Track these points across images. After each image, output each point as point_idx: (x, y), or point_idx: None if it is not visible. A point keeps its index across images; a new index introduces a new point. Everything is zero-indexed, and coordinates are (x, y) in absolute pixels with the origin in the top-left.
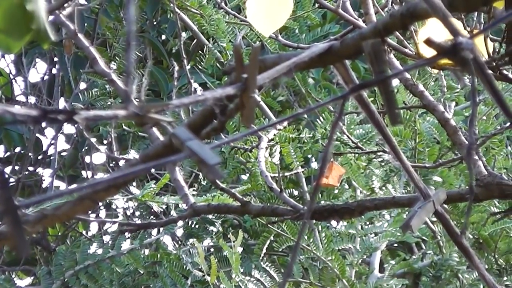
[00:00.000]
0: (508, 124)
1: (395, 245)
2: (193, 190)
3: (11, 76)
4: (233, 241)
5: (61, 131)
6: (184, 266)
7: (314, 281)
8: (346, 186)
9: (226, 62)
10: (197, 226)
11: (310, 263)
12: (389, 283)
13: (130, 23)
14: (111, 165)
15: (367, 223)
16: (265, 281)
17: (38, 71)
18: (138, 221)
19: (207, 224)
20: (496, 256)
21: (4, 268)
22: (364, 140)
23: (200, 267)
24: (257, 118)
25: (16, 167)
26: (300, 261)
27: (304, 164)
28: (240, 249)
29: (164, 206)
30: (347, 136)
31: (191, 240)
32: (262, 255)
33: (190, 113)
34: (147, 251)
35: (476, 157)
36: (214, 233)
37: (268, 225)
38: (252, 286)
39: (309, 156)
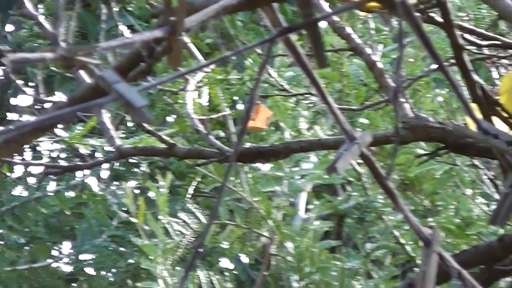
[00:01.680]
0: (435, 66)
1: (320, 187)
2: (120, 132)
3: None
4: (161, 182)
5: None
6: (110, 207)
7: (240, 223)
8: (274, 129)
9: (155, 4)
10: (123, 168)
11: (236, 204)
12: (314, 224)
13: None
14: (37, 107)
15: (295, 165)
16: (191, 223)
17: None
18: (64, 164)
19: (132, 166)
20: (421, 198)
21: None
22: (294, 83)
23: (125, 209)
24: (185, 60)
25: None
26: (226, 203)
27: (231, 106)
28: (165, 191)
29: (90, 149)
30: (274, 78)
31: (116, 182)
32: (189, 196)
33: (117, 56)
34: (72, 193)
35: (403, 100)
36: (139, 174)
37: (195, 166)
38: (178, 227)
39: (237, 98)
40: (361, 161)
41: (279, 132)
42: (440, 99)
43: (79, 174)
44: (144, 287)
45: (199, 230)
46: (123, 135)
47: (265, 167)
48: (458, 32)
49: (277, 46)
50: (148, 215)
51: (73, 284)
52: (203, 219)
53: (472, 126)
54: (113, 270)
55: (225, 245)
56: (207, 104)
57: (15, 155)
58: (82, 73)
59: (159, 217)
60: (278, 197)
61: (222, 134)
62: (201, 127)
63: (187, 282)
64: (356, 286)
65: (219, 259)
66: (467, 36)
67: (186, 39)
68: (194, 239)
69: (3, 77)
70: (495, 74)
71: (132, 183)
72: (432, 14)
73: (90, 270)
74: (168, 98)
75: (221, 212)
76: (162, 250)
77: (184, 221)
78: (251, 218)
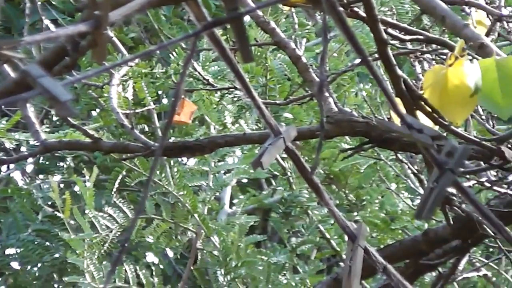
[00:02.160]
0: (358, 61)
1: (245, 181)
2: (45, 127)
3: None
4: (88, 176)
5: None
6: (35, 202)
7: (166, 217)
8: (199, 124)
9: None
10: (48, 162)
11: (162, 199)
12: (240, 219)
13: None
14: None
15: (220, 160)
16: (118, 217)
17: None
18: None
19: (58, 160)
20: (347, 192)
21: None
22: (220, 77)
23: (51, 203)
24: (109, 54)
25: None
26: (152, 197)
27: (156, 100)
28: (91, 185)
29: (15, 143)
30: (199, 72)
31: (41, 176)
32: (114, 190)
33: (42, 50)
34: None
35: (327, 94)
36: (65, 168)
37: (120, 161)
38: (105, 222)
39: (161, 92)
40: (286, 155)
41: (204, 127)
42: (364, 93)
43: (4, 168)
44: (71, 281)
45: (125, 225)
46: (48, 129)
47: (191, 162)
48: (381, 27)
49: (202, 41)
50: (74, 209)
51: None
52: (129, 213)
53: (397, 121)
54: (39, 265)
55: (151, 239)
56: (132, 98)
57: None
58: (6, 67)
59: (86, 211)
60: (204, 191)
61: (147, 128)
62: (126, 121)
63: (114, 276)
64: (282, 281)
65: (146, 254)
66: (390, 30)
67: (111, 33)
68: (120, 233)
69: None
70: (418, 69)
71: (57, 177)
72: (356, 9)
73: (15, 265)
74: (92, 92)
75: (148, 207)
76: (88, 245)
77: (111, 216)
78: (177, 212)
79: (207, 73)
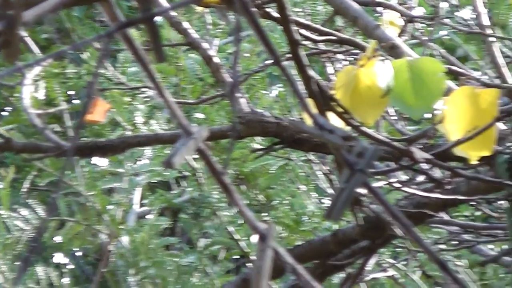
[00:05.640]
0: (270, 61)
1: (155, 181)
2: None
3: None
4: (4, 176)
5: None
6: None
7: (79, 219)
8: (112, 125)
9: None
10: None
11: (73, 199)
12: (150, 219)
13: None
14: None
15: (135, 161)
16: (31, 218)
17: None
18: None
19: None
20: (257, 193)
21: None
22: (137, 79)
23: None
24: (22, 54)
25: None
26: (65, 198)
27: (68, 100)
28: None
29: None
30: (112, 72)
31: None
32: (24, 190)
33: None
34: None
35: (239, 95)
36: None
37: (31, 160)
38: (19, 222)
39: (73, 92)
40: (196, 155)
41: (118, 128)
42: (275, 94)
43: None
44: None
45: (39, 226)
46: None
47: (105, 163)
48: (294, 28)
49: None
50: None
51: None
52: (42, 214)
53: (308, 121)
54: None
55: (62, 240)
56: (44, 98)
57: None
58: None
59: (1, 211)
60: (118, 193)
61: (58, 128)
62: (37, 121)
63: (26, 277)
64: (192, 281)
65: (55, 255)
66: (303, 31)
67: (23, 33)
68: (33, 234)
69: None
70: (330, 69)
71: None
72: (268, 10)
73: None
74: (4, 92)
75: (61, 208)
76: (1, 245)
77: (23, 216)
78: (88, 213)
79: (126, 74)
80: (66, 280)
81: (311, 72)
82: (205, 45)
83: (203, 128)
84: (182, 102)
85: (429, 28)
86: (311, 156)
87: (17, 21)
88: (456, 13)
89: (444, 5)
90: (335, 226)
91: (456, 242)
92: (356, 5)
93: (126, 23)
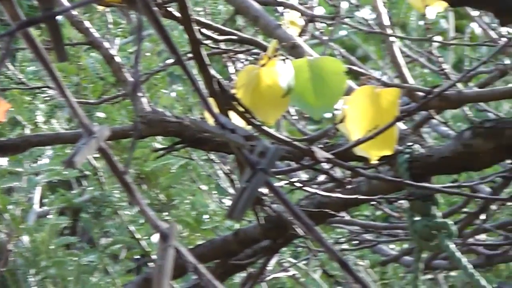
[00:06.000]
0: (171, 60)
1: (55, 180)
2: None
3: None
4: None
5: None
6: None
7: None
8: (12, 123)
9: None
10: None
11: None
12: (50, 219)
13: None
14: None
15: (35, 160)
16: None
17: None
18: None
19: None
20: (157, 192)
21: None
22: (36, 78)
23: None
24: None
25: None
26: None
27: None
28: None
29: None
30: (12, 72)
31: None
32: None
33: None
34: None
35: (140, 94)
36: None
37: None
38: None
39: None
40: (98, 155)
41: (18, 127)
42: (176, 93)
43: None
44: None
45: None
46: None
47: (3, 162)
48: (195, 27)
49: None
50: None
51: None
52: None
53: (210, 121)
54: None
55: None
56: None
57: None
58: None
59: None
60: (18, 192)
61: None
62: None
63: None
64: (92, 281)
65: None
66: (204, 30)
67: None
68: None
69: None
70: (231, 69)
71: None
72: (170, 9)
73: None
74: None
75: None
76: None
77: None
78: None
79: (24, 73)
80: None
81: (213, 71)
82: (106, 44)
83: (104, 127)
84: (83, 102)
85: (329, 28)
86: (213, 155)
87: None
88: (356, 13)
89: (344, 5)
90: (237, 226)
91: (357, 242)
92: (256, 5)
93: (27, 22)
